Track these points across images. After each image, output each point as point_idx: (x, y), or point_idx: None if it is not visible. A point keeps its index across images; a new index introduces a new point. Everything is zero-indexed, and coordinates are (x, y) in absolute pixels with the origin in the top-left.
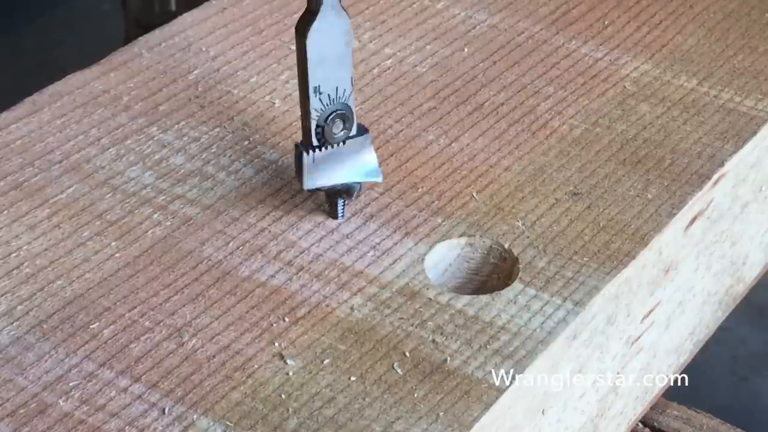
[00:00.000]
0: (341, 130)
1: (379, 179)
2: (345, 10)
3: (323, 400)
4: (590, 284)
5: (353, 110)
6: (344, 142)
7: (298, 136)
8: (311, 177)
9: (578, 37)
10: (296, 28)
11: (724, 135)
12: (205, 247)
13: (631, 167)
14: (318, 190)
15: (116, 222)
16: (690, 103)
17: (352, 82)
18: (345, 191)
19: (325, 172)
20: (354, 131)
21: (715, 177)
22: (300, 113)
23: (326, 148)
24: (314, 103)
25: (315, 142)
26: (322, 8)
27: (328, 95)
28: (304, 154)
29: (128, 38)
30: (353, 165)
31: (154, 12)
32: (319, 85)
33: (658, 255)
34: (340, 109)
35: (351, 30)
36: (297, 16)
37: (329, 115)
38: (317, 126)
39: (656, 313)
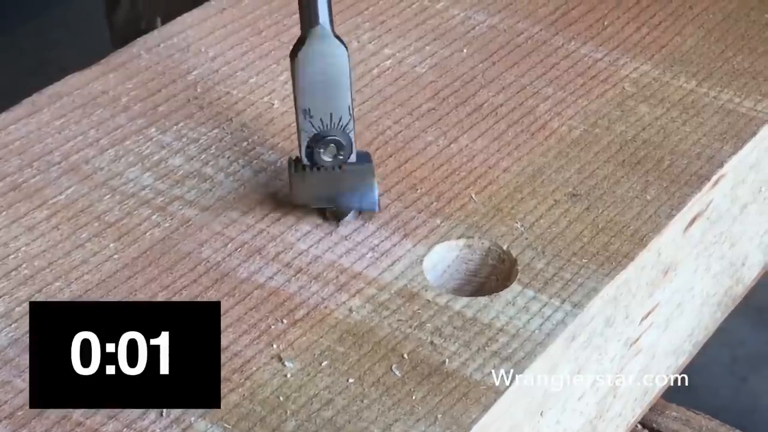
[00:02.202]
0: (334, 156)
1: (375, 209)
2: (339, 39)
3: (321, 401)
4: (589, 286)
5: (351, 139)
6: (340, 168)
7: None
8: (299, 192)
9: (577, 38)
10: (290, 52)
11: (723, 136)
12: (203, 249)
13: (630, 168)
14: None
15: (115, 223)
16: (689, 104)
17: (350, 112)
18: (333, 213)
19: (315, 192)
20: (353, 159)
21: (714, 178)
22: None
23: (317, 169)
24: (303, 124)
25: (304, 161)
26: (310, 36)
27: (321, 119)
28: (293, 169)
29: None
30: (349, 191)
31: (140, 30)
32: (308, 109)
33: (657, 256)
34: (334, 136)
35: (347, 58)
36: (296, 17)
37: (321, 139)
38: (307, 146)
39: (655, 315)
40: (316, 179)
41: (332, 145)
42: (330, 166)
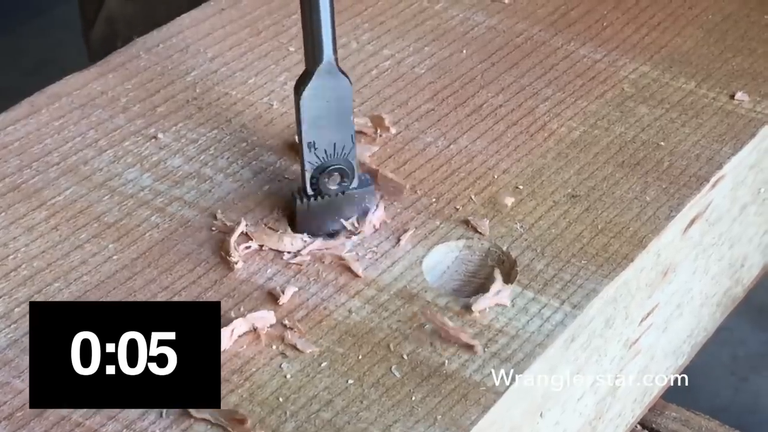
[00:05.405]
0: (338, 184)
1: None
2: (344, 73)
3: (321, 402)
4: (588, 287)
5: (354, 166)
6: (343, 193)
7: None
8: (304, 223)
9: (577, 39)
10: (294, 87)
11: (722, 137)
12: (202, 250)
13: (630, 169)
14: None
15: (114, 224)
16: (688, 105)
17: (353, 140)
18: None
19: (318, 220)
20: (355, 184)
21: (713, 179)
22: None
23: (321, 197)
24: (308, 156)
25: (309, 192)
26: (317, 70)
27: (325, 150)
28: (298, 201)
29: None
30: (351, 213)
31: (116, 48)
32: (313, 141)
33: (656, 257)
34: (338, 164)
35: (351, 91)
36: (295, 18)
37: (326, 169)
38: (312, 177)
39: (654, 316)
40: (320, 208)
41: (336, 173)
42: (334, 193)
